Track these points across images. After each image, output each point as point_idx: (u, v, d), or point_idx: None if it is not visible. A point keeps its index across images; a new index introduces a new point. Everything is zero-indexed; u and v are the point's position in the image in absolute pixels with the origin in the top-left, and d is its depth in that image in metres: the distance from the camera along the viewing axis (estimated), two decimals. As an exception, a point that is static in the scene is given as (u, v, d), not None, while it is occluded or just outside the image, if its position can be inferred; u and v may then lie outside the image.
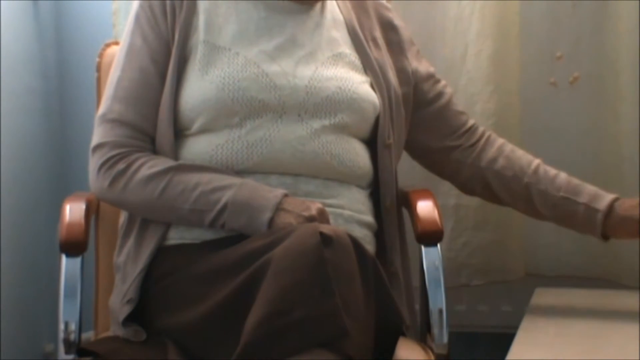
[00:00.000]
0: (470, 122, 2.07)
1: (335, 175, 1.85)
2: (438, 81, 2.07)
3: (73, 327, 1.79)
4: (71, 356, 1.79)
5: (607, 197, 1.96)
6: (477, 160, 2.03)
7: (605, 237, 1.97)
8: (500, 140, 2.06)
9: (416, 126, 2.03)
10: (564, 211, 1.98)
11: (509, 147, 2.05)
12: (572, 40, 2.34)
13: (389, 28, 2.04)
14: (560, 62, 2.35)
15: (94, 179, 1.86)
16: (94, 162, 1.86)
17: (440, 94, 2.05)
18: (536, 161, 2.02)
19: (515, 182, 2.00)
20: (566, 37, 2.34)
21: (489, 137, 2.06)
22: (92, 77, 2.15)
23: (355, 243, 1.59)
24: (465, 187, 2.10)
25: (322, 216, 1.73)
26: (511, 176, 2.01)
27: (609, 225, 1.95)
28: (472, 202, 2.33)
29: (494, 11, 2.30)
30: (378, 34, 2.01)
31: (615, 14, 2.29)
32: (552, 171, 2.01)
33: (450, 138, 2.05)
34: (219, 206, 1.75)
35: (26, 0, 2.41)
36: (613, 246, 2.28)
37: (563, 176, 2.00)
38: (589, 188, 1.98)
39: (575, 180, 1.99)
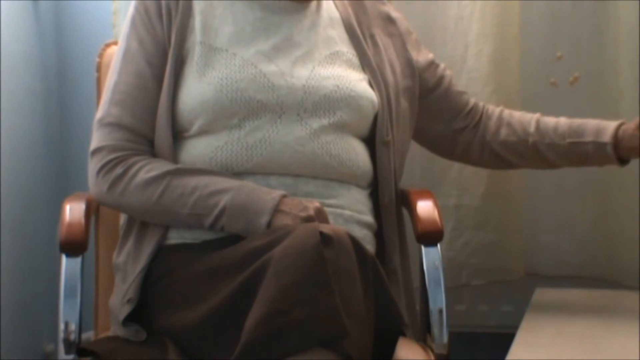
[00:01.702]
0: (472, 100, 2.09)
1: (335, 176, 1.85)
2: (438, 66, 2.08)
3: (73, 327, 1.79)
4: (71, 356, 1.78)
5: (610, 127, 1.98)
6: (482, 136, 2.06)
7: (623, 161, 1.99)
8: (497, 110, 2.08)
9: (424, 113, 2.04)
10: (576, 155, 2.00)
11: (507, 113, 2.08)
12: (572, 40, 2.34)
13: (387, 21, 2.04)
14: (560, 62, 2.35)
15: (93, 182, 1.86)
16: (92, 166, 1.86)
17: (441, 79, 2.07)
18: (535, 117, 2.05)
19: (522, 145, 2.03)
20: (566, 37, 2.34)
21: (487, 110, 2.08)
22: (92, 77, 2.15)
23: (355, 242, 1.59)
24: (480, 163, 2.12)
25: (320, 215, 1.73)
26: (516, 141, 2.04)
27: (622, 150, 1.97)
28: (472, 202, 2.33)
29: (494, 11, 2.30)
30: (377, 29, 2.01)
31: (615, 14, 2.29)
32: (552, 121, 2.03)
33: (456, 120, 2.06)
34: (216, 210, 1.75)
35: (26, 0, 2.41)
36: (613, 246, 2.28)
37: (563, 122, 2.02)
38: (591, 124, 2.00)
39: (577, 121, 2.02)
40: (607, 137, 1.97)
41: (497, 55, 2.31)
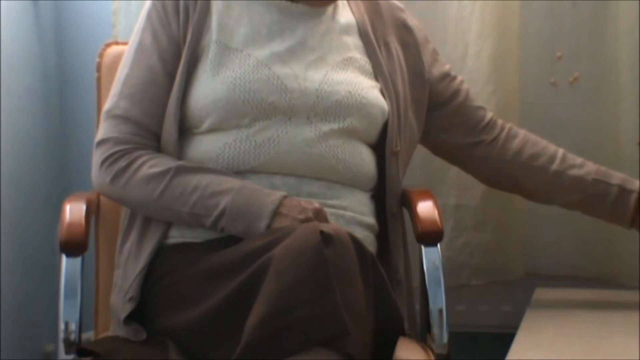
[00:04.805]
0: (489, 115, 2.07)
1: (339, 179, 1.85)
2: (454, 79, 2.06)
3: (73, 327, 1.79)
4: (71, 356, 1.78)
5: (638, 182, 2.00)
6: (501, 153, 2.04)
7: (632, 224, 2.00)
8: (522, 132, 2.07)
9: (436, 126, 2.03)
10: (596, 193, 2.00)
11: (532, 137, 2.06)
12: (572, 40, 2.34)
13: (403, 29, 2.03)
14: (560, 62, 2.35)
15: (96, 173, 1.86)
16: (96, 157, 1.86)
17: (456, 92, 2.05)
18: (561, 150, 2.04)
19: (543, 171, 2.02)
20: (566, 37, 2.34)
21: (510, 129, 2.06)
22: (92, 77, 2.15)
23: (356, 242, 1.59)
24: (490, 181, 2.11)
25: (319, 216, 1.73)
26: (538, 166, 2.02)
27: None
28: (472, 202, 2.33)
29: (494, 11, 2.30)
30: (391, 37, 2.00)
31: (615, 14, 2.29)
32: (579, 159, 2.03)
33: (471, 135, 2.05)
34: (216, 212, 1.75)
35: (26, 0, 2.41)
36: (613, 246, 2.28)
37: (591, 163, 2.03)
38: (619, 173, 2.02)
39: (603, 167, 2.02)
40: (635, 186, 1.99)
41: (497, 55, 2.31)
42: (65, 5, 2.54)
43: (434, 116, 2.03)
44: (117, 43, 2.16)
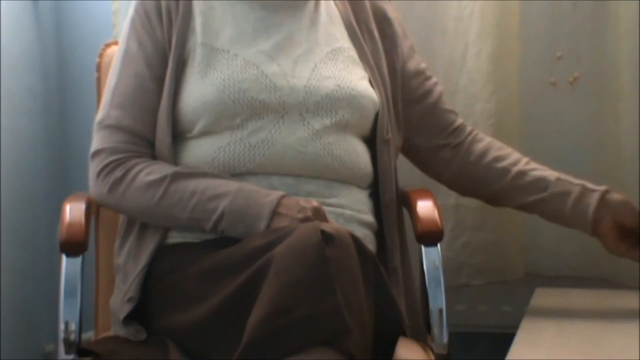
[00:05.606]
0: (459, 120, 2.07)
1: (336, 176, 1.86)
2: (428, 78, 2.06)
3: (73, 327, 1.79)
4: (71, 356, 1.78)
5: (600, 187, 1.96)
6: (465, 156, 2.03)
7: (595, 227, 1.95)
8: (488, 138, 2.06)
9: (405, 124, 2.02)
10: (558, 191, 1.96)
11: (498, 144, 2.05)
12: (572, 40, 2.34)
13: (383, 20, 2.03)
14: (560, 62, 2.35)
15: (93, 184, 1.87)
16: (92, 168, 1.87)
17: (428, 92, 2.04)
18: (526, 158, 2.02)
19: (506, 172, 1.99)
20: (566, 37, 2.34)
21: (476, 134, 2.06)
22: (92, 77, 2.15)
23: (356, 241, 1.59)
24: (453, 184, 2.09)
25: (318, 215, 1.73)
26: (501, 168, 2.00)
27: (605, 207, 1.93)
28: (472, 202, 2.32)
29: (494, 11, 2.30)
30: (373, 26, 2.00)
31: (615, 14, 2.29)
32: (543, 166, 2.01)
33: (439, 137, 2.04)
34: (215, 215, 1.75)
35: (26, 0, 2.41)
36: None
37: (553, 171, 1.99)
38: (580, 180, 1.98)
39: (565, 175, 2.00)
40: (599, 187, 1.95)
41: (496, 55, 2.31)
42: (65, 5, 2.54)
43: (405, 114, 2.02)
44: (117, 43, 2.15)
